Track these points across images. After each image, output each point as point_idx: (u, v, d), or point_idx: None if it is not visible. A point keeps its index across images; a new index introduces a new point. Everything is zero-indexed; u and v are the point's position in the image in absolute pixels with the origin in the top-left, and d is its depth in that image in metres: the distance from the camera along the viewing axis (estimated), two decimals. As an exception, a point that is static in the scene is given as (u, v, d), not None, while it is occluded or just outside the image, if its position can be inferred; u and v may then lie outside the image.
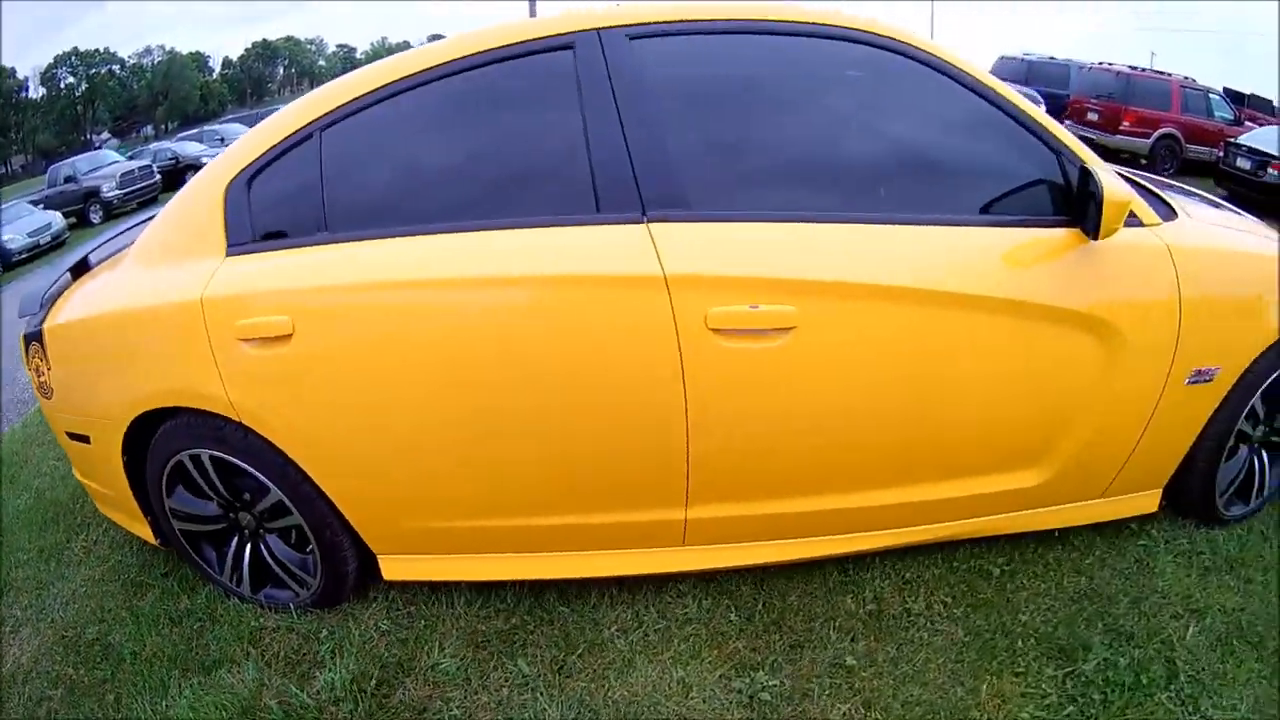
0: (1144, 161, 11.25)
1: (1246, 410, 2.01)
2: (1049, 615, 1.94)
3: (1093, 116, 11.99)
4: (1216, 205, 2.47)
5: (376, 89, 1.74)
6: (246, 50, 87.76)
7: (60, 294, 2.10)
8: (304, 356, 1.67)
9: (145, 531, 2.10)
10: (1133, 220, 1.78)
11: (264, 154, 1.78)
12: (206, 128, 26.28)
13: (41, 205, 15.67)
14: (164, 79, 77.43)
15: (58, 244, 14.14)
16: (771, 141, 1.81)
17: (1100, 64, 12.95)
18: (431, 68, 1.73)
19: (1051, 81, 13.93)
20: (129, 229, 2.27)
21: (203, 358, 1.70)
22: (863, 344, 1.67)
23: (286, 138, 1.77)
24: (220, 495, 1.94)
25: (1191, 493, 2.11)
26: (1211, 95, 12.11)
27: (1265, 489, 2.23)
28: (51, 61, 71.46)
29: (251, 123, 8.45)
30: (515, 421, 1.70)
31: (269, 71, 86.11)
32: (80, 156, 18.98)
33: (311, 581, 1.98)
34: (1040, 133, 1.78)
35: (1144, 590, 2.00)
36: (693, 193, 1.65)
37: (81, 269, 2.22)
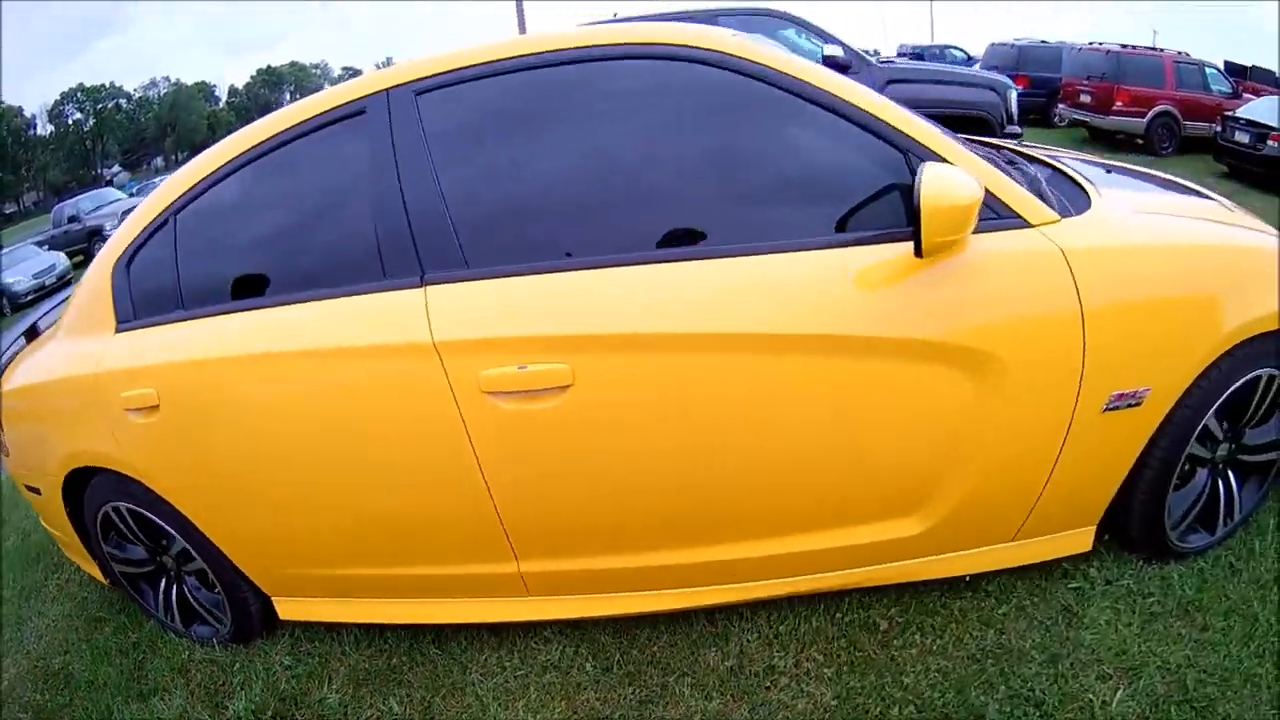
0: (1140, 141, 10.92)
1: (1198, 432, 1.74)
2: (939, 677, 1.71)
3: (1085, 99, 11.63)
4: (1170, 187, 2.21)
5: (213, 172, 1.84)
6: (252, 78, 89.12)
7: (14, 358, 2.30)
8: (170, 423, 1.82)
9: (97, 573, 2.37)
10: (1014, 220, 1.54)
11: (135, 238, 1.92)
12: None
13: (46, 246, 16.24)
14: (171, 110, 78.62)
15: (63, 283, 14.45)
16: (557, 184, 1.68)
17: (1091, 44, 12.59)
18: (250, 148, 1.80)
19: (1044, 65, 13.62)
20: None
21: (102, 424, 1.91)
22: (652, 397, 1.56)
23: (150, 223, 1.91)
24: (143, 541, 2.14)
25: (1134, 527, 1.85)
26: (1207, 69, 11.70)
27: (1235, 514, 1.95)
28: (58, 98, 72.89)
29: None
30: (347, 481, 1.77)
31: (275, 98, 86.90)
32: (83, 195, 19.32)
33: (225, 619, 2.15)
34: (881, 129, 1.52)
35: (1066, 645, 1.74)
36: (471, 250, 1.59)
37: (32, 334, 2.41)
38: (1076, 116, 11.96)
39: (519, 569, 1.80)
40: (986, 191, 1.49)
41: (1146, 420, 1.65)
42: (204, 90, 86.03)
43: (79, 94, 74.50)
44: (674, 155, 1.66)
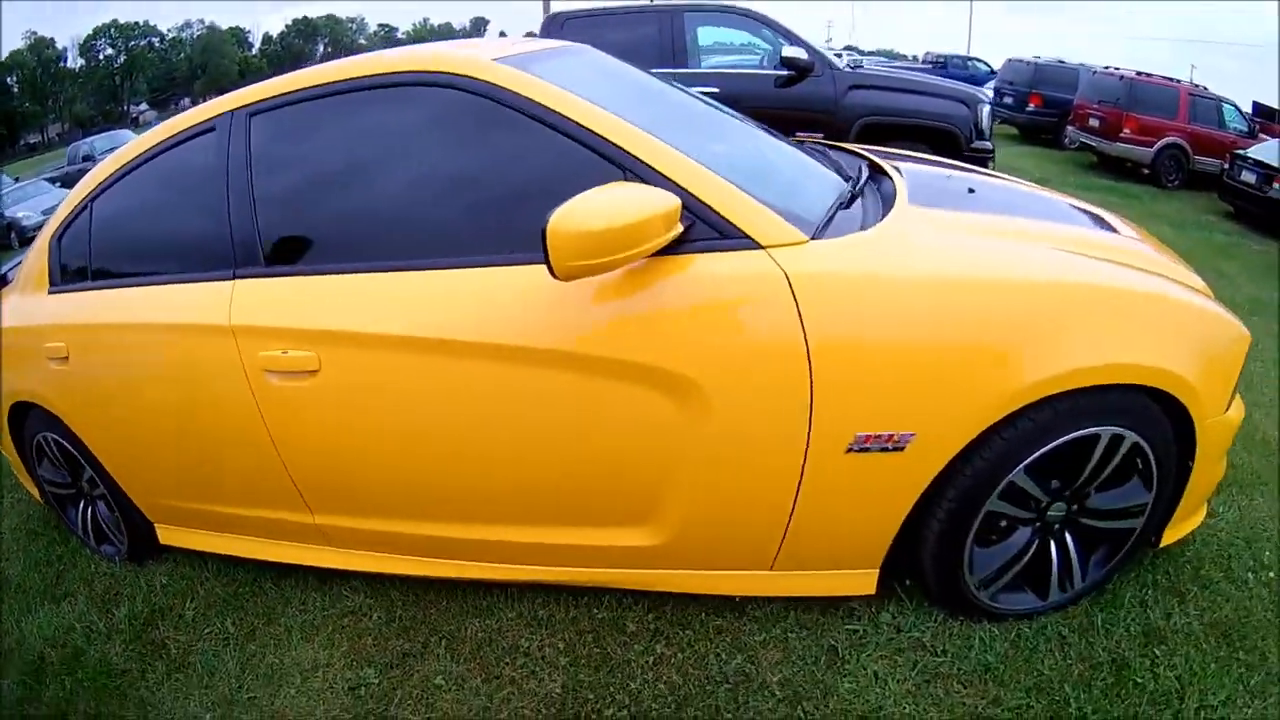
0: (1146, 171, 10.62)
1: (1002, 488, 1.59)
2: (665, 689, 1.69)
3: (1094, 122, 11.30)
4: (1058, 215, 2.05)
5: (116, 170, 2.16)
6: (287, 26, 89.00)
7: None
8: (75, 372, 2.21)
9: (35, 493, 2.81)
10: (741, 240, 1.45)
11: (65, 217, 2.29)
12: None
13: (59, 183, 16.11)
14: (202, 53, 78.63)
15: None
16: (333, 198, 1.89)
17: (1108, 69, 12.25)
18: (142, 153, 2.11)
19: (1061, 86, 13.27)
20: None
21: (34, 368, 2.31)
22: (381, 388, 1.75)
23: (76, 205, 2.26)
24: (64, 467, 2.53)
25: (928, 578, 1.73)
26: (1225, 105, 11.33)
27: (1074, 580, 1.79)
28: (90, 33, 73.02)
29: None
30: (181, 431, 2.11)
31: (309, 49, 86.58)
32: (98, 135, 19.27)
33: (123, 540, 2.50)
34: (603, 145, 1.56)
35: (816, 688, 1.63)
36: (270, 252, 1.87)
37: (2, 282, 2.82)
38: (1084, 140, 11.64)
39: (315, 521, 2.04)
40: (712, 211, 1.49)
41: (915, 468, 1.52)
42: (237, 35, 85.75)
43: (112, 29, 74.56)
44: (423, 173, 1.82)
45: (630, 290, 1.49)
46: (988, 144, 4.92)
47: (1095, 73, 12.43)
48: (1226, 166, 9.22)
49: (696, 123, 2.16)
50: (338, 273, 1.78)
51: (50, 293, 2.30)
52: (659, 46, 5.00)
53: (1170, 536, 1.86)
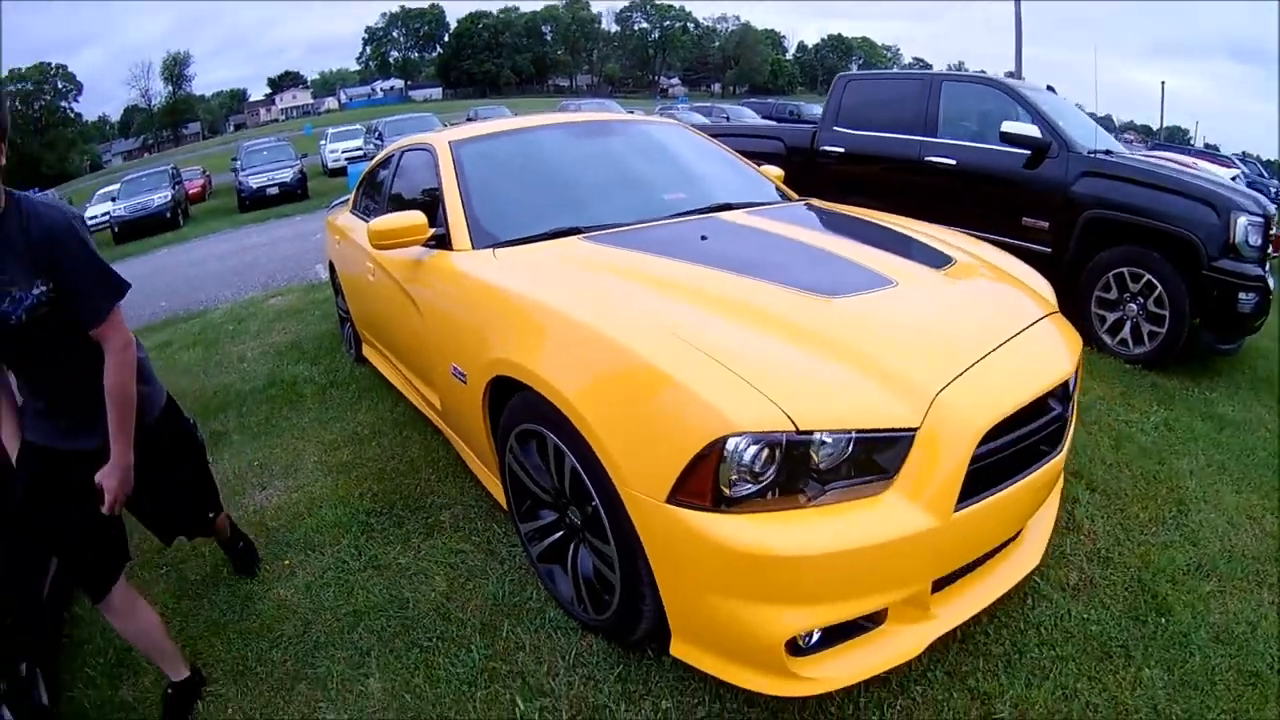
0: None
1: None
2: None
3: None
4: None
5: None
6: (822, 40, 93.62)
7: None
8: None
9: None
10: None
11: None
12: (775, 100, 27.10)
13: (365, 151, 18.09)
14: (737, 46, 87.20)
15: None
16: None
17: None
18: (395, 151, 3.19)
19: None
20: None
21: None
22: None
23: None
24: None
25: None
26: None
27: None
28: (626, 5, 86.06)
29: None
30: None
31: (841, 65, 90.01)
32: (408, 118, 19.42)
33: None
34: None
35: None
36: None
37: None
38: None
39: None
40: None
41: None
42: (772, 38, 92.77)
43: (648, 6, 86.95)
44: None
45: None
46: (1249, 268, 3.43)
47: None
48: None
49: None
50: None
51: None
52: (915, 113, 4.68)
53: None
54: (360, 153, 18.44)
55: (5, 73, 62.79)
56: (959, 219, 3.53)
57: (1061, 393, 1.76)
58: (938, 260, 2.13)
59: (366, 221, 3.01)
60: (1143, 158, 4.28)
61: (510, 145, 2.87)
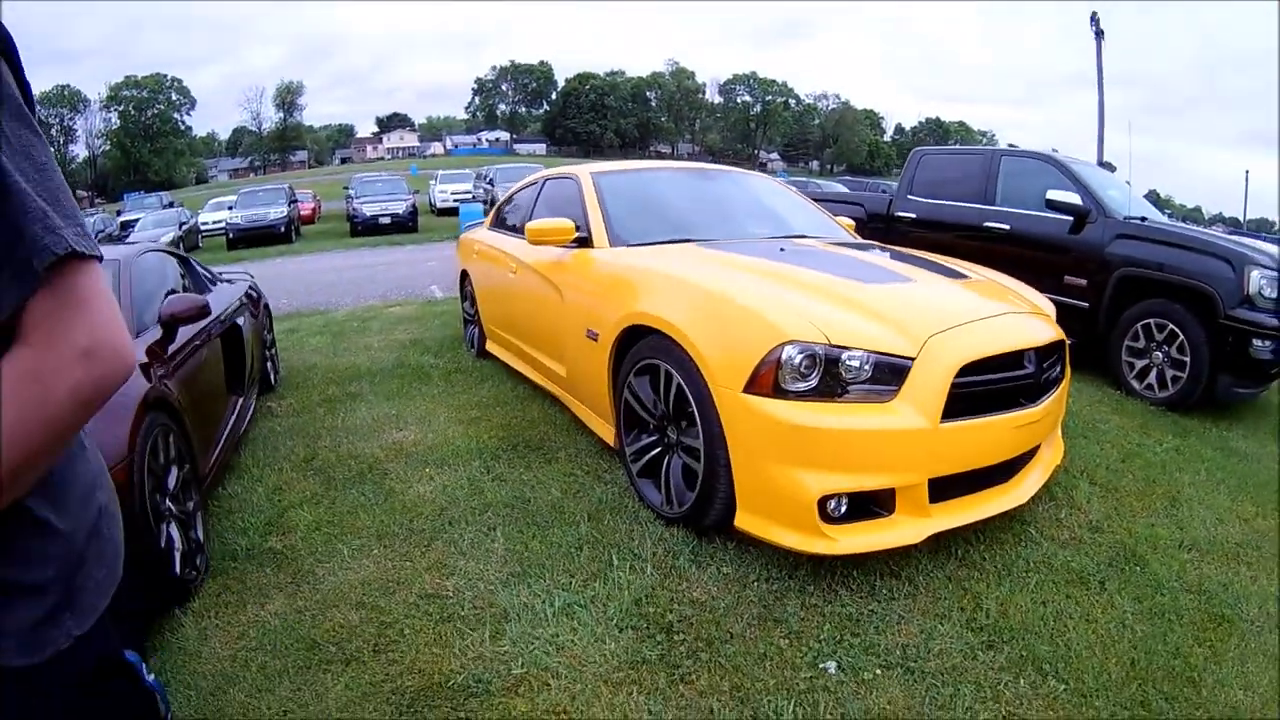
0: None
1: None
2: None
3: None
4: None
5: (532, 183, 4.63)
6: (919, 123, 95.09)
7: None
8: None
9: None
10: None
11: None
12: (869, 181, 26.24)
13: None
14: (836, 125, 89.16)
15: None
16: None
17: None
18: (538, 179, 4.13)
19: None
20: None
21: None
22: None
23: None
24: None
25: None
26: None
27: None
28: (730, 78, 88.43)
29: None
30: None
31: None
32: (510, 166, 21.82)
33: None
34: None
35: None
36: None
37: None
38: None
39: None
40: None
41: None
42: (871, 118, 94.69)
43: (751, 79, 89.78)
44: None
45: None
46: (1264, 317, 3.81)
47: None
48: None
49: None
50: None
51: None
52: (977, 184, 5.39)
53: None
54: (469, 195, 20.13)
55: (122, 78, 68.93)
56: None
57: (1036, 359, 2.38)
58: (954, 275, 2.85)
59: (506, 234, 3.94)
60: (1173, 223, 4.79)
61: (636, 179, 3.79)
